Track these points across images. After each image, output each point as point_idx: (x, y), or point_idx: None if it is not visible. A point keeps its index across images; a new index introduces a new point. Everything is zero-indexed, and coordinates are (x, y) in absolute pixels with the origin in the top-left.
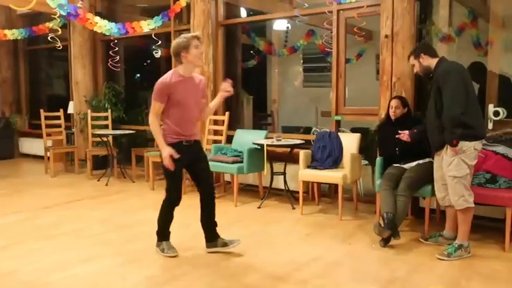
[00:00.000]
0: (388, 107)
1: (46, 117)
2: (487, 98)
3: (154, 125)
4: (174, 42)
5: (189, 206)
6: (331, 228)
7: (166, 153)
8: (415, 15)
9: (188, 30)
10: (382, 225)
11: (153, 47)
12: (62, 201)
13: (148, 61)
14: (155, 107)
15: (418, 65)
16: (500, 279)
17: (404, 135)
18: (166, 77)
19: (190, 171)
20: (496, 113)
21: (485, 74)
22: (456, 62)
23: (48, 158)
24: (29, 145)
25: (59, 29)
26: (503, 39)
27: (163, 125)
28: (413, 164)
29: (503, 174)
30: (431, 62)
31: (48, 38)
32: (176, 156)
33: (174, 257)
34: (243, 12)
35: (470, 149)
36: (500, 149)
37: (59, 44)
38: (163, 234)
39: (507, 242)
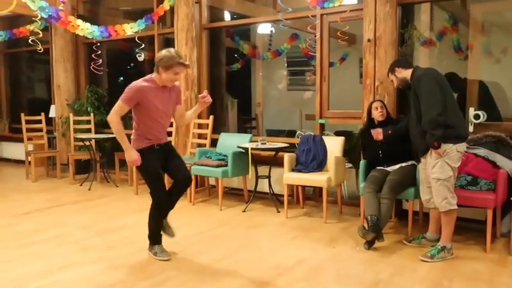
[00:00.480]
0: (370, 111)
1: (27, 121)
2: (468, 101)
3: (118, 124)
4: (162, 53)
5: (171, 213)
6: (316, 232)
7: (133, 156)
8: (397, 20)
9: (172, 33)
10: (366, 228)
11: (137, 50)
12: (43, 207)
13: (132, 64)
14: (121, 108)
15: (396, 79)
16: (482, 280)
17: (378, 133)
18: (141, 83)
19: (165, 170)
20: (477, 116)
21: (459, 82)
22: (429, 67)
23: (29, 162)
24: (10, 149)
25: (40, 32)
26: (482, 43)
27: (134, 131)
28: (397, 166)
29: (484, 177)
30: (407, 74)
31: (29, 40)
32: (140, 162)
33: (167, 260)
34: (227, 16)
35: (454, 151)
36: (481, 151)
37: (40, 47)
38: (155, 238)
39: (488, 243)
